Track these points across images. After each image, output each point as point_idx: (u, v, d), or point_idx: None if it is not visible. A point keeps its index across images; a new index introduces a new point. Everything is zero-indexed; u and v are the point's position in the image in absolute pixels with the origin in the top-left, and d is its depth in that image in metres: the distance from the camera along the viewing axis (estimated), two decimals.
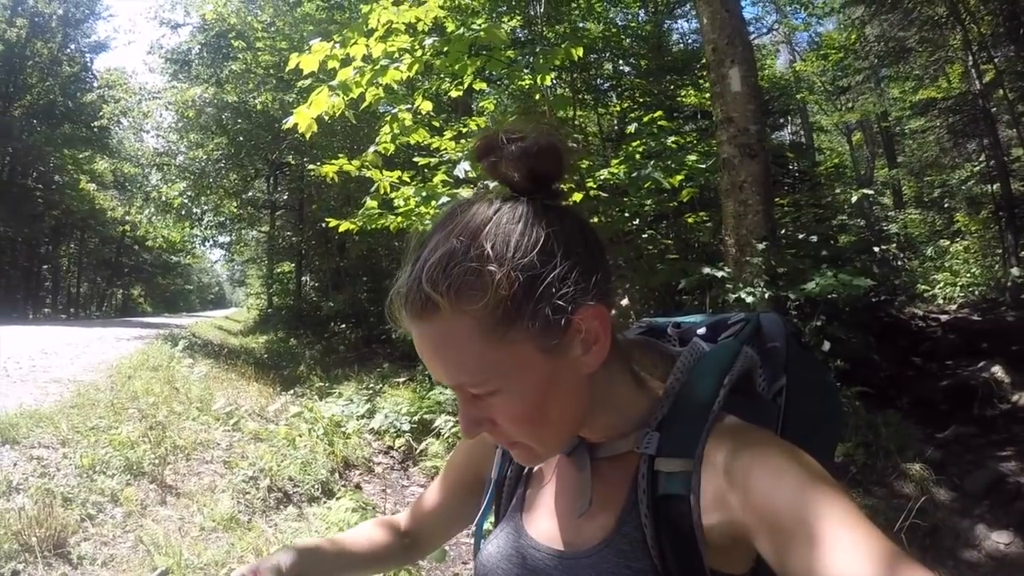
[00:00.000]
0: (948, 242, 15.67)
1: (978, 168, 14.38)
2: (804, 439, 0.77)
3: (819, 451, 0.74)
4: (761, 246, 5.68)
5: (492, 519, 1.00)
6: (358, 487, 5.25)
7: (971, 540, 4.13)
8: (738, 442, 0.72)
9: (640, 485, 0.76)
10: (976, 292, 12.92)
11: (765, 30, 19.22)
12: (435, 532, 1.16)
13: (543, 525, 0.87)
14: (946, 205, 16.83)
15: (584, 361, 0.74)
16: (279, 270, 22.22)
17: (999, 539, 4.07)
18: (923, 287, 13.77)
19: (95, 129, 26.66)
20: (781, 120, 15.67)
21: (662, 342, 0.96)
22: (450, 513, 1.12)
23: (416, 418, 6.39)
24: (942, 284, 13.71)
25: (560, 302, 0.70)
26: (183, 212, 19.99)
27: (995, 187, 13.40)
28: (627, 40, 12.70)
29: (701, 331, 0.95)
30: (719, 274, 5.76)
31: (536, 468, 0.95)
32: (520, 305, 0.69)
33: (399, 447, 6.17)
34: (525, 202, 0.73)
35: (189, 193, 18.88)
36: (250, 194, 21.04)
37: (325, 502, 4.57)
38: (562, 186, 0.78)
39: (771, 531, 0.65)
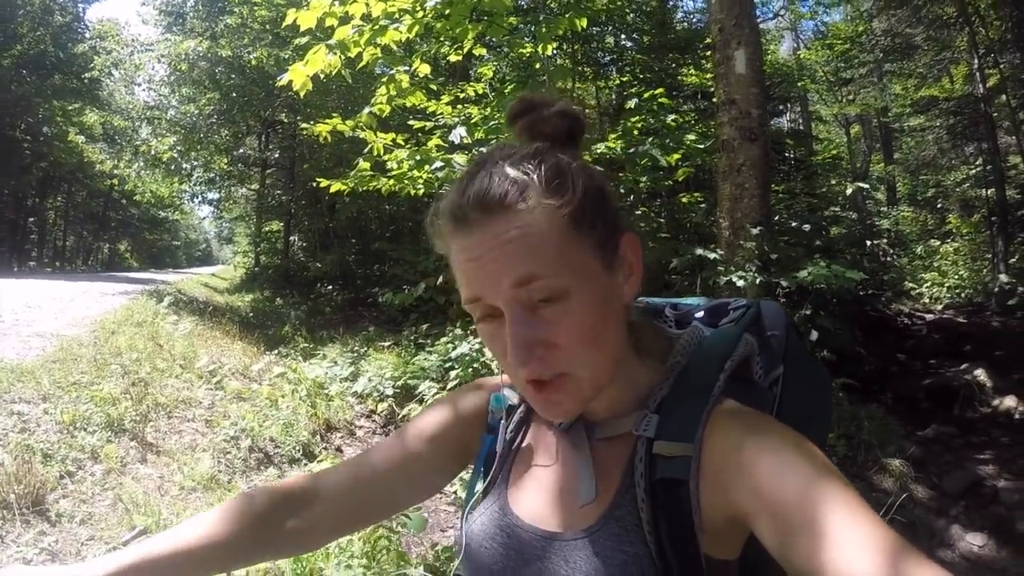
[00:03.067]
0: (938, 242, 15.80)
1: (974, 171, 14.47)
2: (797, 430, 0.74)
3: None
4: (755, 230, 5.67)
5: (480, 490, 0.95)
6: (339, 450, 5.25)
7: (946, 540, 4.19)
8: (742, 426, 0.71)
9: (637, 468, 0.75)
10: (962, 294, 13.03)
11: (771, 15, 19.14)
12: (377, 498, 0.96)
13: (530, 504, 0.85)
14: (939, 205, 16.94)
15: (625, 289, 0.77)
16: (267, 229, 22.07)
17: (973, 541, 4.13)
18: (910, 285, 13.86)
19: (86, 81, 26.25)
20: (781, 107, 15.64)
21: (659, 322, 0.94)
22: (410, 479, 0.96)
23: (400, 383, 6.38)
24: (929, 283, 13.83)
25: (613, 219, 0.76)
26: (172, 167, 19.78)
27: (990, 192, 13.49)
28: (631, 15, 12.58)
29: (699, 315, 0.93)
30: (711, 256, 5.75)
31: (525, 444, 0.92)
32: (592, 211, 0.73)
33: (381, 411, 6.17)
34: (565, 149, 0.78)
35: (179, 148, 18.65)
36: (241, 151, 20.82)
37: (306, 464, 4.55)
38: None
39: (776, 519, 0.63)
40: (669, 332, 0.90)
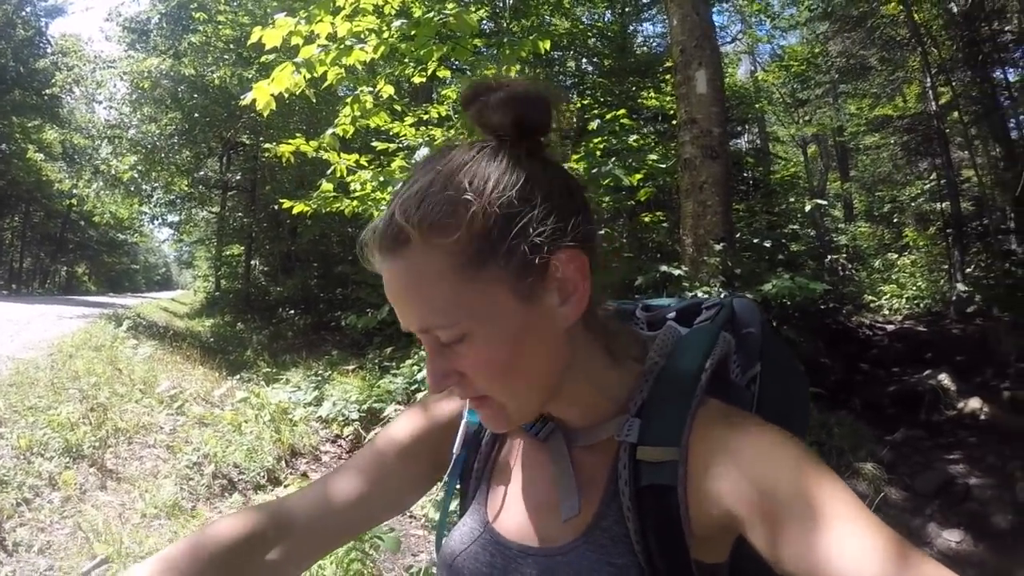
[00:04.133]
0: (896, 255, 16.08)
1: (929, 186, 14.76)
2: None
3: None
4: (719, 246, 5.74)
5: (456, 508, 0.93)
6: (304, 475, 5.16)
7: (923, 538, 4.27)
8: (729, 427, 0.69)
9: (622, 476, 0.71)
10: (921, 305, 13.29)
11: (729, 39, 19.49)
12: (353, 521, 0.91)
13: (511, 518, 0.82)
14: (895, 220, 17.24)
15: (562, 312, 0.70)
16: (228, 253, 21.76)
17: (950, 537, 4.23)
18: (870, 297, 14.09)
19: (46, 97, 25.91)
20: (739, 128, 15.87)
21: (630, 325, 0.91)
22: (386, 496, 0.91)
23: (365, 407, 6.29)
24: (888, 295, 14.08)
25: (537, 240, 0.67)
26: (132, 188, 19.51)
27: (944, 205, 13.78)
28: (592, 39, 12.73)
29: (672, 315, 0.91)
30: (676, 272, 5.80)
31: (502, 456, 0.89)
32: (495, 243, 0.66)
33: (347, 436, 6.09)
34: (507, 146, 0.70)
35: (139, 168, 18.38)
36: (202, 173, 20.61)
37: (271, 490, 4.48)
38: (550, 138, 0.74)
39: (769, 522, 0.61)
40: (642, 334, 0.86)
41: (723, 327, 0.82)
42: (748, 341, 0.85)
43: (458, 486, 0.91)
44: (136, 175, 18.51)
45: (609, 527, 0.72)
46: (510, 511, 0.83)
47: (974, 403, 6.41)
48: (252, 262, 20.27)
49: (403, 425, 0.94)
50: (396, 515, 0.99)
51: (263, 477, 4.70)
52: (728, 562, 0.75)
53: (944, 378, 6.84)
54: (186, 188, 20.37)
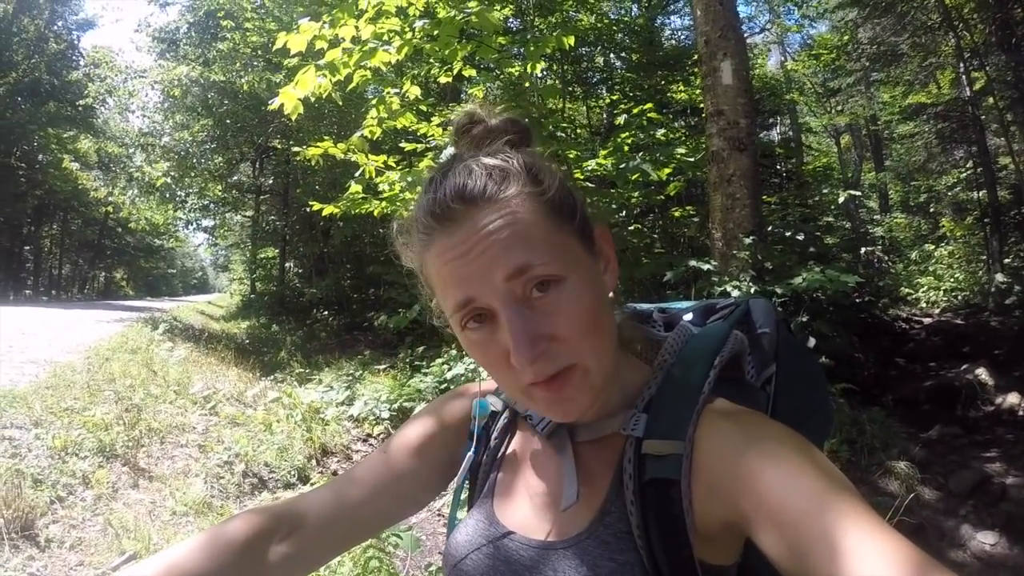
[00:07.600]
0: (933, 247, 15.78)
1: (965, 174, 14.47)
2: (794, 429, 0.71)
3: None
4: (748, 240, 5.67)
5: (465, 506, 0.93)
6: (335, 474, 5.19)
7: (957, 539, 4.13)
8: (739, 428, 0.68)
9: (626, 470, 0.71)
10: (959, 297, 13.00)
11: (758, 29, 19.29)
12: (365, 520, 0.91)
13: (517, 513, 0.82)
14: (932, 210, 16.95)
15: (605, 280, 0.75)
16: (263, 255, 22.03)
17: (984, 539, 4.08)
18: (906, 290, 13.85)
19: (80, 108, 26.47)
20: (770, 120, 15.70)
21: (647, 327, 0.92)
22: (398, 496, 0.92)
23: (396, 406, 6.33)
24: (925, 288, 13.81)
25: (588, 211, 0.75)
26: (167, 194, 19.84)
27: (981, 194, 13.50)
28: (619, 34, 12.67)
29: (688, 316, 0.91)
30: (705, 267, 5.74)
31: (510, 451, 0.89)
32: (568, 200, 0.72)
33: (378, 435, 6.13)
34: None
35: (173, 174, 18.70)
36: (235, 178, 20.92)
37: (300, 488, 4.51)
38: None
39: (783, 529, 0.59)
40: (657, 335, 0.88)
41: (735, 326, 0.83)
42: (763, 341, 0.86)
43: (467, 480, 0.92)
44: (170, 181, 18.89)
45: (613, 523, 0.72)
46: (516, 505, 0.83)
47: (1012, 398, 6.22)
48: (286, 264, 20.48)
49: (415, 426, 0.95)
50: (412, 513, 0.99)
51: (293, 476, 4.73)
52: (737, 565, 0.74)
53: (982, 372, 6.65)
54: (219, 193, 20.67)
